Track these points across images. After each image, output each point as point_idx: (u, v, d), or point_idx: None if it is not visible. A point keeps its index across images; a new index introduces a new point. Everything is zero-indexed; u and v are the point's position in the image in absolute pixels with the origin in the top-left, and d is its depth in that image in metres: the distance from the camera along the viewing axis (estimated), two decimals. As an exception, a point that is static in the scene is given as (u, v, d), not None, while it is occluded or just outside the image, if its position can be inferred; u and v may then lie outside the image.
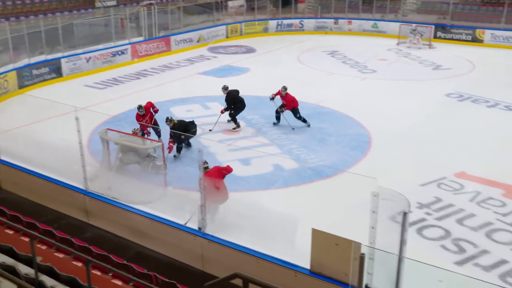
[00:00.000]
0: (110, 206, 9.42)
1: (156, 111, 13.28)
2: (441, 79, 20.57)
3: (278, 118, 15.11)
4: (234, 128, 14.66)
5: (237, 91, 14.81)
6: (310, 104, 16.88)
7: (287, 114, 14.76)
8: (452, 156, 12.92)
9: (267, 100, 15.32)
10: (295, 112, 14.72)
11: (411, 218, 9.31)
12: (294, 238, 7.37)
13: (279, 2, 32.18)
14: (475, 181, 11.57)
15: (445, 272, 6.38)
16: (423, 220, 9.93)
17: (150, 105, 13.26)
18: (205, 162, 8.94)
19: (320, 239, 6.84)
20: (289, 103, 14.65)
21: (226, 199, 9.07)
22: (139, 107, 12.98)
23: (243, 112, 14.86)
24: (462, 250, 9.03)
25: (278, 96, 14.97)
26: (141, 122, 12.73)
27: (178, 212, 8.93)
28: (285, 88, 14.67)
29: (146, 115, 13.05)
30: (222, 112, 14.57)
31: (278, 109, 14.86)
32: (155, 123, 13.15)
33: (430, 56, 24.79)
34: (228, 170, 9.31)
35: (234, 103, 14.61)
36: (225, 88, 14.79)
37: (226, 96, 14.68)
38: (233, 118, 14.63)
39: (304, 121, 14.82)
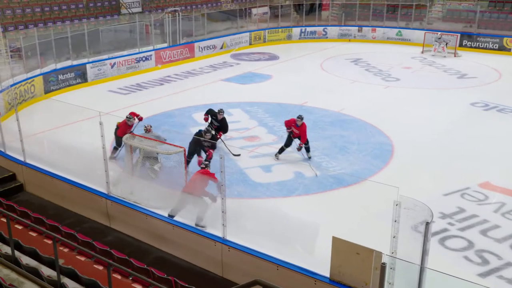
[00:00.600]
0: (131, 210, 9.50)
1: (140, 119, 12.91)
2: (466, 88, 20.30)
3: (281, 151, 13.18)
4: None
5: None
6: (333, 112, 16.83)
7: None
8: (476, 166, 12.72)
9: (289, 107, 15.31)
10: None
11: (434, 228, 9.18)
12: (314, 246, 7.34)
13: (303, 9, 32.20)
14: (500, 192, 11.37)
15: (468, 284, 6.25)
16: (445, 230, 9.78)
17: (133, 114, 12.86)
18: (206, 161, 9.66)
19: (340, 247, 6.79)
20: (303, 135, 12.80)
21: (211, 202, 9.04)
22: (129, 117, 12.58)
23: (265, 118, 14.82)
24: (485, 261, 8.86)
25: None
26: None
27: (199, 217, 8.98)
28: (301, 118, 12.80)
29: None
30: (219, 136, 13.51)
31: (298, 148, 12.88)
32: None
33: (455, 64, 24.50)
34: (213, 179, 9.21)
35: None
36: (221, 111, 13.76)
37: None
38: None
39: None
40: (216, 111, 13.81)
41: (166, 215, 9.16)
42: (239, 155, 13.17)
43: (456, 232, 9.74)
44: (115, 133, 12.65)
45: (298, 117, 12.81)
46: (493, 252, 9.11)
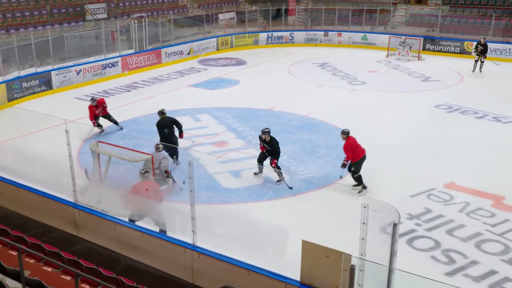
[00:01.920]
0: (99, 218, 9.35)
1: (105, 108, 15.28)
2: (430, 91, 20.76)
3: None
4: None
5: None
6: (301, 116, 16.96)
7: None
8: (442, 167, 13.00)
9: (257, 112, 15.33)
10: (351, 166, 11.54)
11: (401, 229, 9.38)
12: (285, 250, 7.36)
13: (269, 14, 32.38)
14: (465, 192, 11.64)
15: (435, 283, 6.39)
16: (413, 231, 9.96)
17: (102, 101, 15.31)
18: (146, 172, 9.54)
19: (310, 250, 6.83)
20: (349, 153, 11.34)
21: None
22: (93, 99, 15.18)
23: (234, 123, 14.83)
24: (452, 261, 9.06)
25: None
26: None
27: (169, 225, 8.91)
28: (344, 133, 11.60)
29: (98, 107, 15.07)
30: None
31: (342, 165, 11.56)
32: (107, 115, 15.38)
33: (419, 67, 25.03)
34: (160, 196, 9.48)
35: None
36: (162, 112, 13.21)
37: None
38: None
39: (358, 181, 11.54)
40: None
41: (137, 223, 9.06)
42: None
43: (423, 232, 9.93)
44: (90, 119, 15.01)
45: (342, 132, 11.56)
46: (459, 251, 9.32)
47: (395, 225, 6.34)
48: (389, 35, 29.01)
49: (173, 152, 12.53)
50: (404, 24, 31.85)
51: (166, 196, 10.72)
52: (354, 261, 6.39)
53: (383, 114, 17.42)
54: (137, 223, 9.07)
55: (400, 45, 27.28)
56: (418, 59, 26.82)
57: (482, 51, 23.18)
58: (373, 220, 6.41)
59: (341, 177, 11.90)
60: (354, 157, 11.36)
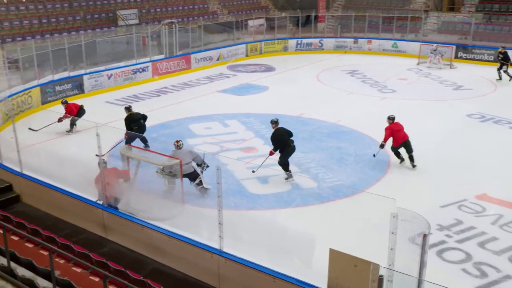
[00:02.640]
0: (128, 221, 9.46)
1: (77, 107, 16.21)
2: (462, 99, 20.40)
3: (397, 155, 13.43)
4: None
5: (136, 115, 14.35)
6: (329, 123, 16.87)
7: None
8: (474, 177, 12.74)
9: (285, 118, 15.31)
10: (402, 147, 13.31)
11: (431, 240, 9.15)
12: (312, 258, 7.31)
13: (299, 21, 32.36)
14: (497, 204, 11.37)
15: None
16: (443, 242, 9.76)
17: (71, 107, 16.07)
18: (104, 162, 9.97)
19: (337, 259, 6.76)
20: (386, 134, 13.21)
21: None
22: (64, 101, 16.40)
23: (262, 129, 14.83)
24: (484, 274, 8.84)
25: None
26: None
27: (194, 229, 8.95)
28: (390, 118, 13.43)
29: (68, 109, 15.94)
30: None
31: (380, 145, 13.40)
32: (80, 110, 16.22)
33: (451, 76, 24.63)
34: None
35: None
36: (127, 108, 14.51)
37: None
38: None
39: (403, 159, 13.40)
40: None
41: (165, 227, 9.11)
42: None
43: (454, 244, 9.72)
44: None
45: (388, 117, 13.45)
46: (492, 264, 9.09)
47: (425, 235, 6.23)
48: (420, 43, 28.66)
49: (144, 140, 13.73)
50: (435, 31, 31.43)
51: (196, 198, 10.79)
52: (382, 271, 6.30)
53: (414, 122, 17.11)
54: (162, 225, 9.12)
55: (431, 53, 26.89)
56: (450, 67, 26.40)
57: (504, 59, 22.87)
58: (402, 230, 6.31)
59: (374, 156, 13.42)
60: (395, 140, 13.18)
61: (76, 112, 15.97)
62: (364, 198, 11.35)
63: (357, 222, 10.30)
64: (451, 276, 8.73)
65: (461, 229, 10.27)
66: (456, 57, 27.80)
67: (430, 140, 15.33)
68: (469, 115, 18.06)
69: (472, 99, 20.42)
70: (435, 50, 26.81)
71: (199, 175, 11.14)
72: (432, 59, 26.78)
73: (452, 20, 32.06)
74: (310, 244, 7.30)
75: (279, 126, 12.58)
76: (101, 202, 10.00)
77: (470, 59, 28.03)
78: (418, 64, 27.40)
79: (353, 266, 6.59)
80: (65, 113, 15.68)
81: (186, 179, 10.90)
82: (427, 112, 18.63)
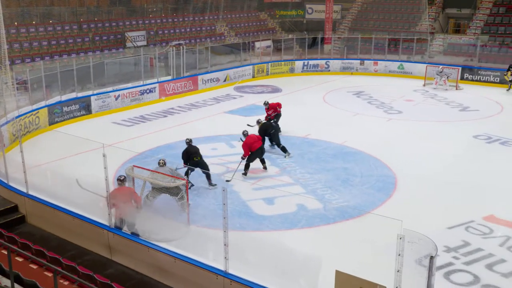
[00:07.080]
0: (133, 243, 9.44)
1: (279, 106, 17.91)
2: (468, 121, 20.36)
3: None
4: None
5: None
6: (336, 144, 16.85)
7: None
8: (481, 199, 12.65)
9: (292, 139, 15.35)
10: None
11: (438, 262, 9.08)
12: (318, 280, 7.24)
13: (305, 43, 32.62)
14: (505, 225, 11.27)
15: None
16: (450, 264, 9.66)
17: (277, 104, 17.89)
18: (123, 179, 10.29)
19: (344, 281, 6.70)
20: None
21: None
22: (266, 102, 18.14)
23: (268, 150, 14.85)
24: (492, 297, 8.73)
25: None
26: None
27: (201, 250, 8.91)
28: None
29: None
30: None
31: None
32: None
33: (457, 97, 24.63)
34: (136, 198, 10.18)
35: None
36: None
37: None
38: None
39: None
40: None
41: (171, 248, 9.07)
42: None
43: (461, 266, 9.62)
44: None
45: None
46: (500, 287, 8.97)
47: (431, 257, 6.18)
48: (426, 64, 28.73)
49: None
50: (441, 53, 31.52)
51: (199, 220, 10.75)
52: (389, 294, 6.24)
53: (420, 143, 17.14)
54: (167, 247, 9.09)
55: (437, 74, 26.93)
56: (456, 89, 26.41)
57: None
58: (409, 252, 6.26)
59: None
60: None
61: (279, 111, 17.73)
62: (370, 220, 11.30)
63: (363, 244, 10.22)
64: (459, 299, 8.62)
65: (468, 251, 10.16)
66: (462, 78, 27.81)
67: (436, 161, 15.28)
68: (476, 136, 18.01)
69: (478, 120, 20.39)
70: (441, 71, 26.85)
71: (181, 190, 10.99)
72: (438, 81, 26.81)
73: (458, 42, 32.19)
74: (316, 266, 7.25)
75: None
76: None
77: (476, 80, 28.05)
78: (424, 85, 27.44)
79: (359, 288, 6.54)
80: (270, 111, 17.55)
81: (166, 195, 10.95)
82: (434, 133, 18.59)
